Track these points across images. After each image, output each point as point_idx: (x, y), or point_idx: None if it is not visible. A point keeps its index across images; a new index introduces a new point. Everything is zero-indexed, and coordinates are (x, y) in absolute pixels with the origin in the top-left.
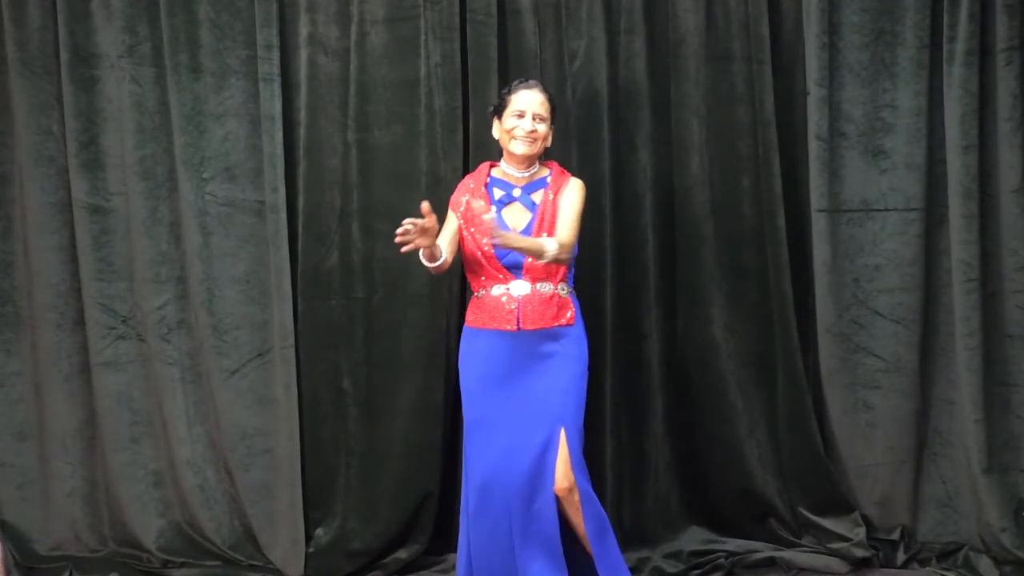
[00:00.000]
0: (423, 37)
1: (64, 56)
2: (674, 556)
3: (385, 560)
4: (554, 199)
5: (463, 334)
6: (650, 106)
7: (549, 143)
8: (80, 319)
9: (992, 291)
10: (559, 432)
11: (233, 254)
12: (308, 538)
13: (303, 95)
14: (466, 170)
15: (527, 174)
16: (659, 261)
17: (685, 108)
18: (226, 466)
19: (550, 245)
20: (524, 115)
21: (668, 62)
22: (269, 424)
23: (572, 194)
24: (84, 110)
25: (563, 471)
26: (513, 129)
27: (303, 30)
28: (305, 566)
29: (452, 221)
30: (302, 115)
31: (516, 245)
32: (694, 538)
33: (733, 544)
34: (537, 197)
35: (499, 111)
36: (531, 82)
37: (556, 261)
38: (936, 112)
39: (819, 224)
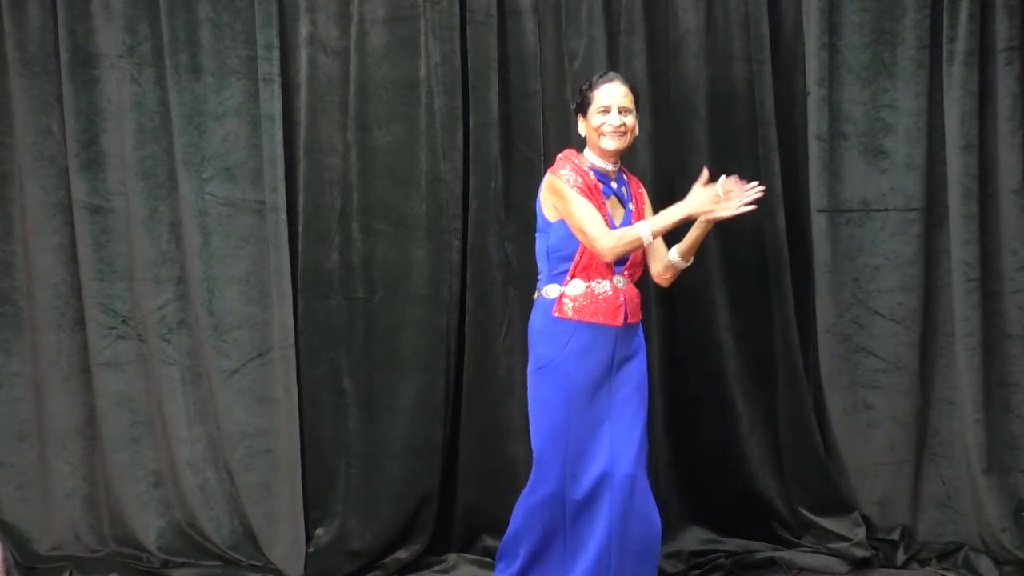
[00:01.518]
0: (423, 37)
1: (64, 56)
2: (674, 556)
3: (385, 560)
4: (639, 197)
5: (556, 326)
6: (650, 106)
7: (637, 132)
8: (80, 319)
9: (992, 291)
10: (643, 425)
11: (233, 254)
12: (308, 538)
13: (303, 95)
14: (466, 170)
15: (617, 167)
16: None
17: (685, 108)
18: (226, 466)
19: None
20: (609, 110)
21: (668, 62)
22: (269, 424)
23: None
24: (84, 110)
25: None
26: (601, 126)
27: (303, 30)
28: (305, 566)
29: (586, 202)
30: (302, 115)
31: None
32: (694, 538)
33: (733, 544)
34: (624, 192)
35: (582, 108)
36: (610, 75)
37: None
38: (936, 112)
39: (819, 224)
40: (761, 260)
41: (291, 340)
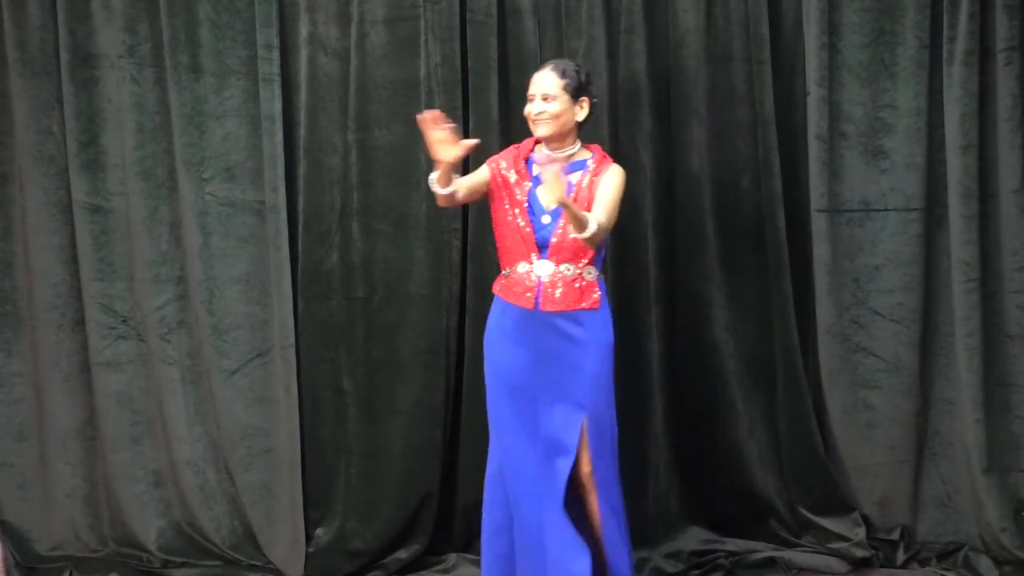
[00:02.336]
0: (423, 37)
1: (64, 56)
2: (674, 556)
3: (385, 560)
4: (590, 183)
5: (493, 305)
6: (650, 106)
7: (579, 118)
8: (80, 319)
9: (992, 291)
10: (581, 420)
11: (233, 254)
12: (308, 538)
13: (303, 95)
14: (466, 170)
15: (563, 154)
16: (659, 261)
17: (685, 108)
18: (226, 466)
19: (592, 222)
20: (534, 98)
21: (668, 62)
22: (269, 424)
23: (612, 179)
24: (84, 110)
25: (584, 457)
26: (528, 114)
27: (303, 30)
28: (305, 566)
29: (483, 174)
30: (302, 115)
31: (566, 202)
32: (694, 538)
33: (733, 544)
34: (574, 178)
35: None
36: (546, 63)
37: (588, 243)
38: (936, 112)
39: (819, 224)
40: (761, 260)
41: (291, 340)
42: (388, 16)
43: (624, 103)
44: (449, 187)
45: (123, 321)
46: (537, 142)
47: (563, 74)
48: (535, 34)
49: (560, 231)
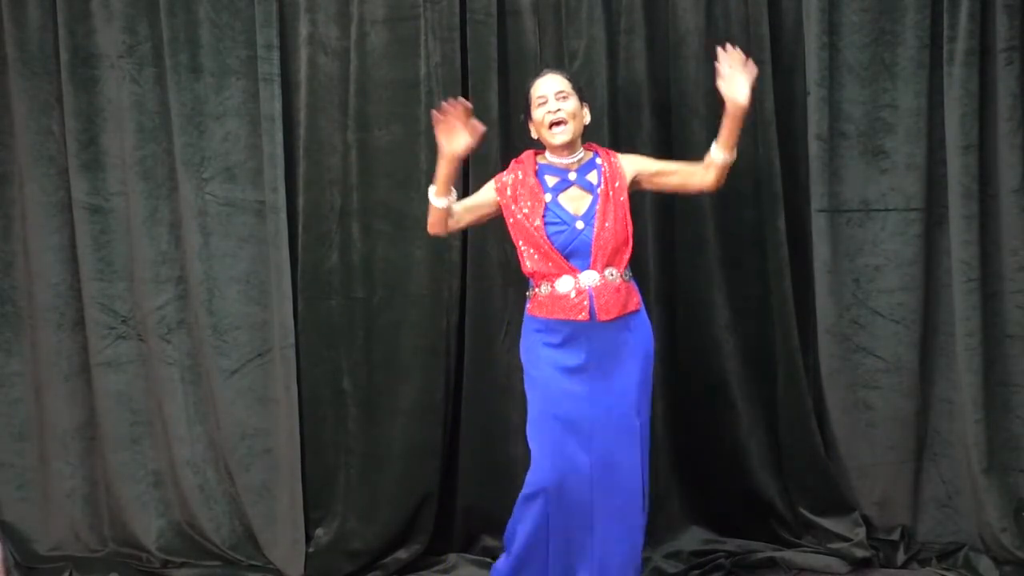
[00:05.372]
0: (423, 37)
1: (64, 56)
2: (674, 556)
3: (385, 560)
4: (612, 175)
5: (527, 323)
6: (650, 106)
7: (588, 120)
8: (80, 319)
9: (992, 291)
10: (638, 428)
11: (233, 254)
12: (308, 538)
13: (303, 95)
14: (466, 170)
15: (575, 159)
16: (659, 261)
17: (685, 108)
18: (226, 466)
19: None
20: (547, 99)
21: (668, 62)
22: (269, 424)
23: (639, 156)
24: (84, 110)
25: None
26: (543, 118)
27: (303, 30)
28: (305, 566)
29: (488, 194)
30: (302, 115)
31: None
32: (694, 538)
33: (733, 544)
34: (593, 177)
35: (528, 112)
36: (545, 70)
37: (727, 169)
38: (936, 112)
39: (819, 224)
40: (761, 260)
41: (291, 340)
42: (388, 16)
43: (624, 103)
44: (448, 197)
45: (123, 321)
46: (537, 153)
47: (567, 76)
48: (535, 34)
49: (597, 233)
